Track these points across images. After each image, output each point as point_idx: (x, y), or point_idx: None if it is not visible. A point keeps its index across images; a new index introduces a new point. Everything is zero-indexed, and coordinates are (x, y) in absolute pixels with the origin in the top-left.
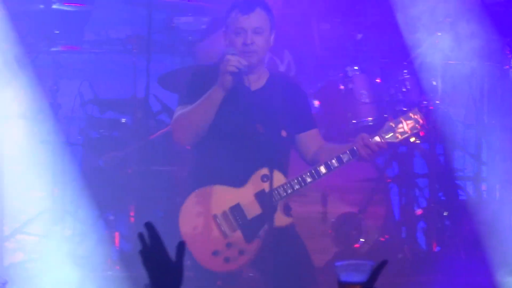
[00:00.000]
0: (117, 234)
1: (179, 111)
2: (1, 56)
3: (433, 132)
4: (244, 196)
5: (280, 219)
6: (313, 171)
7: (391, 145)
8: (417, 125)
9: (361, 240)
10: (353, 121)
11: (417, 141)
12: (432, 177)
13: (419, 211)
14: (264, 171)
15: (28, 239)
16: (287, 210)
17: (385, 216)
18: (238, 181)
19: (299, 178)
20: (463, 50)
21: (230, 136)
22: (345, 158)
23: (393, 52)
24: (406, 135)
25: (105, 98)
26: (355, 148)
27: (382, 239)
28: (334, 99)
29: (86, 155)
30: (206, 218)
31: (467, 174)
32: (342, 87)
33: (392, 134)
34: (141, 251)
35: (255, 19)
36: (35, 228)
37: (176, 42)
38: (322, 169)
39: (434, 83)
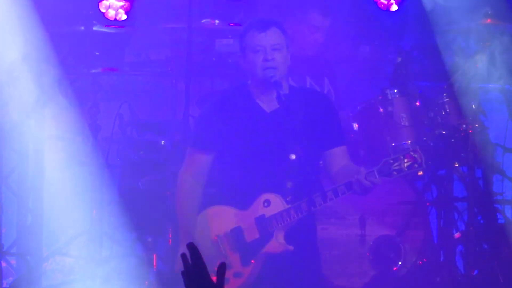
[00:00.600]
0: (155, 256)
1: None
2: (41, 77)
3: (472, 156)
4: (246, 219)
5: (274, 246)
6: (309, 201)
7: (385, 181)
8: (415, 165)
9: (399, 263)
10: (392, 144)
11: (456, 164)
12: (471, 200)
13: (457, 235)
14: (267, 196)
15: (66, 260)
16: (287, 237)
17: (423, 239)
18: (243, 204)
19: (296, 207)
20: (502, 73)
21: (241, 159)
22: (340, 191)
23: (432, 75)
24: (402, 173)
25: (144, 120)
26: (350, 183)
27: (420, 262)
28: (373, 122)
29: (124, 177)
30: (208, 238)
31: (506, 198)
32: (381, 109)
33: (388, 170)
34: (183, 272)
35: (272, 36)
36: (73, 249)
37: (216, 64)
38: (318, 200)
39: (474, 106)
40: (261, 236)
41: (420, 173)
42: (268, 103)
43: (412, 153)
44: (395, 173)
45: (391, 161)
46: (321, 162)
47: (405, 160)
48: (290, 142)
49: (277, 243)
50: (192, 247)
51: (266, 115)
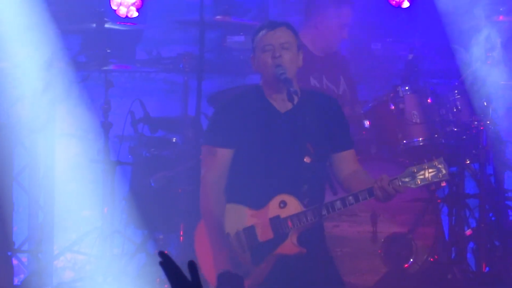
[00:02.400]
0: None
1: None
2: (53, 75)
3: (483, 153)
4: (259, 218)
5: (288, 248)
6: (329, 205)
7: (408, 190)
8: (439, 175)
9: (410, 260)
10: (404, 141)
11: (467, 161)
12: (482, 197)
13: (469, 232)
14: (283, 197)
15: (77, 258)
16: (301, 239)
17: (435, 236)
18: (258, 204)
19: (314, 210)
20: None
21: (256, 158)
22: (361, 196)
23: (444, 72)
24: (425, 182)
25: (156, 117)
26: (372, 189)
27: (431, 259)
28: (384, 119)
29: (136, 174)
30: None
31: None
32: (393, 107)
33: (411, 179)
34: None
35: (282, 35)
36: (84, 247)
37: (227, 61)
38: (338, 204)
39: (485, 103)
40: (275, 236)
41: (443, 183)
42: (281, 104)
43: (436, 163)
44: (418, 182)
45: (415, 170)
46: (327, 163)
47: (430, 170)
48: (303, 145)
49: (292, 244)
50: (193, 265)
51: (279, 116)
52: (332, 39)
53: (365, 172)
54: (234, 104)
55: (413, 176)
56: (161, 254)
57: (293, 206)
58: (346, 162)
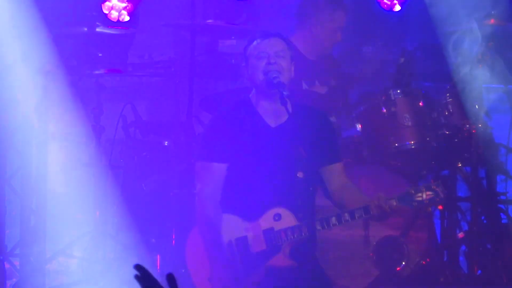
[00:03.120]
0: (158, 257)
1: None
2: (44, 79)
3: (475, 156)
4: (253, 230)
5: (281, 260)
6: (323, 221)
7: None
8: (436, 198)
9: (402, 263)
10: (395, 145)
11: (459, 165)
12: (474, 200)
13: (461, 235)
14: (278, 210)
15: (70, 261)
16: (293, 252)
17: (427, 239)
18: (251, 215)
19: (309, 225)
20: (505, 73)
21: (249, 172)
22: (357, 214)
23: (435, 76)
24: (422, 205)
25: (147, 121)
26: (369, 207)
27: (423, 262)
28: (376, 122)
29: (128, 178)
30: None
31: (509, 198)
32: (384, 110)
33: (408, 200)
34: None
35: (276, 43)
36: (76, 250)
37: (219, 65)
38: (333, 221)
39: (477, 106)
40: (268, 248)
41: (441, 207)
42: (272, 118)
43: (434, 186)
44: (415, 203)
45: (413, 192)
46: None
47: (427, 193)
48: (295, 159)
49: (284, 257)
50: (172, 278)
51: (271, 130)
52: (326, 42)
53: (355, 186)
54: (226, 119)
55: (410, 197)
56: (138, 267)
57: (288, 219)
58: (335, 175)
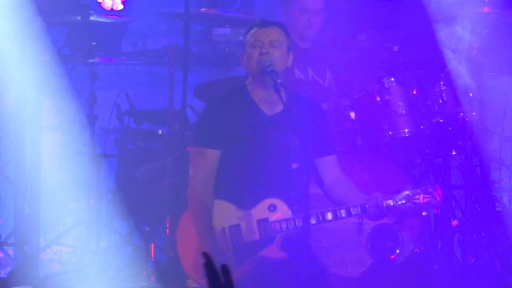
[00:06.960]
0: (152, 246)
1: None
2: (38, 67)
3: (469, 144)
4: (246, 219)
5: (273, 251)
6: (319, 215)
7: (401, 211)
8: (433, 202)
9: (397, 251)
10: (390, 133)
11: (453, 153)
12: (468, 188)
13: (455, 223)
14: (273, 201)
15: (64, 250)
16: (285, 244)
17: (421, 227)
18: (245, 204)
19: (304, 218)
20: (499, 62)
21: (244, 160)
22: (354, 211)
23: (429, 64)
24: (418, 207)
25: (141, 109)
26: (366, 205)
27: (418, 250)
28: (370, 111)
29: (122, 167)
30: None
31: (503, 186)
32: (378, 98)
33: (405, 202)
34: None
35: (272, 33)
36: (71, 239)
37: (213, 53)
38: (329, 216)
39: (471, 94)
40: (261, 238)
41: (436, 211)
42: (268, 106)
43: (431, 190)
44: (412, 205)
45: (410, 194)
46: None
47: (424, 196)
48: (290, 150)
49: (277, 248)
50: (226, 269)
51: (267, 118)
52: (298, 26)
53: (350, 180)
54: (221, 105)
55: (407, 199)
56: (205, 255)
57: (283, 210)
58: (329, 167)
